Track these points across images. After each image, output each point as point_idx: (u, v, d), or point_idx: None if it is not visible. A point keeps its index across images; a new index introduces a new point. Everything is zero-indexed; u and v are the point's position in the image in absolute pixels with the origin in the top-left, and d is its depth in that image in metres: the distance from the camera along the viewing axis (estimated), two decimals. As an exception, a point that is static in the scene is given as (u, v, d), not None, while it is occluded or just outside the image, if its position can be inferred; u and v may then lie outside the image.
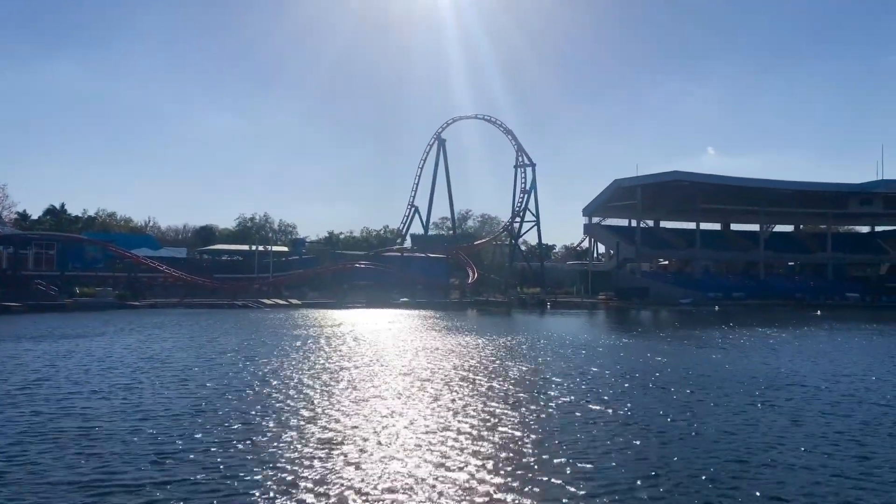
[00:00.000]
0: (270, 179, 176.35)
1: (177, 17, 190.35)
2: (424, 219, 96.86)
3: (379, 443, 11.39)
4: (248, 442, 11.41)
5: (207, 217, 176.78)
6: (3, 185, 78.38)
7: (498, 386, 17.45)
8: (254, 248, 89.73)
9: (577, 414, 14.07)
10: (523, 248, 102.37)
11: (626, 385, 17.96)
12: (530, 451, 11.03)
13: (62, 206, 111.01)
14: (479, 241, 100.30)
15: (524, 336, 33.38)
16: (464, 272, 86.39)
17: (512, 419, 13.39)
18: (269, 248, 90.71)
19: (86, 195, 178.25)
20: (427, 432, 12.15)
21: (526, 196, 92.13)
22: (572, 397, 15.97)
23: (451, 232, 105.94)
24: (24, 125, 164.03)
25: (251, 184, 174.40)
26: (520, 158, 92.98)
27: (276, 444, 11.29)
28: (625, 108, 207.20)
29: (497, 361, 22.72)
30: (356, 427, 12.55)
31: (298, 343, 28.27)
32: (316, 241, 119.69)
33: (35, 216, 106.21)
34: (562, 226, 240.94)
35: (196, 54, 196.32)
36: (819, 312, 64.51)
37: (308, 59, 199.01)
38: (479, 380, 18.45)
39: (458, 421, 13.11)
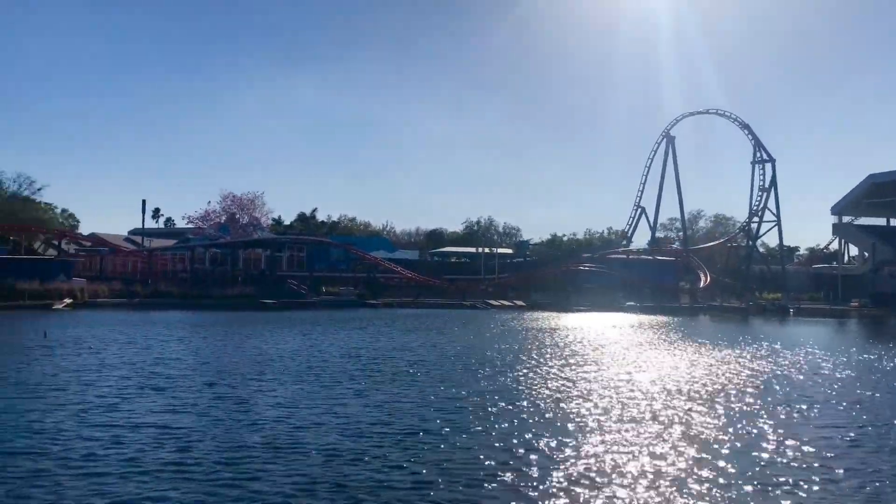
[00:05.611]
0: (495, 182, 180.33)
1: (397, 25, 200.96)
2: (652, 220, 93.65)
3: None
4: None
5: (437, 221, 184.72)
6: (261, 192, 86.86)
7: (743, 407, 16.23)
8: (480, 250, 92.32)
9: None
10: (762, 250, 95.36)
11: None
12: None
13: (312, 211, 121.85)
14: (711, 243, 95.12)
15: (764, 348, 30.91)
16: (695, 276, 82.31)
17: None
18: (494, 250, 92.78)
19: (330, 201, 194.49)
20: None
21: (765, 194, 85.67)
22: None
23: (680, 234, 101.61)
24: (274, 138, 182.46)
25: (477, 188, 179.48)
26: (757, 154, 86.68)
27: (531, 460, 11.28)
28: (872, 95, 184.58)
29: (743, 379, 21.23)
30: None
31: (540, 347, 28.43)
32: (539, 243, 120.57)
33: (287, 221, 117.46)
34: (805, 226, 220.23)
35: (416, 64, 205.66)
36: None
37: (524, 60, 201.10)
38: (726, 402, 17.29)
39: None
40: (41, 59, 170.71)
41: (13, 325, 35.55)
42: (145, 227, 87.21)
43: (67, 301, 51.44)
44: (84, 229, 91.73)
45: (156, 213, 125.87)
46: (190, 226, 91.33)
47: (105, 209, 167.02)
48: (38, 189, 76.28)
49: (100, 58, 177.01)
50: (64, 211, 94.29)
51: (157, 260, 71.54)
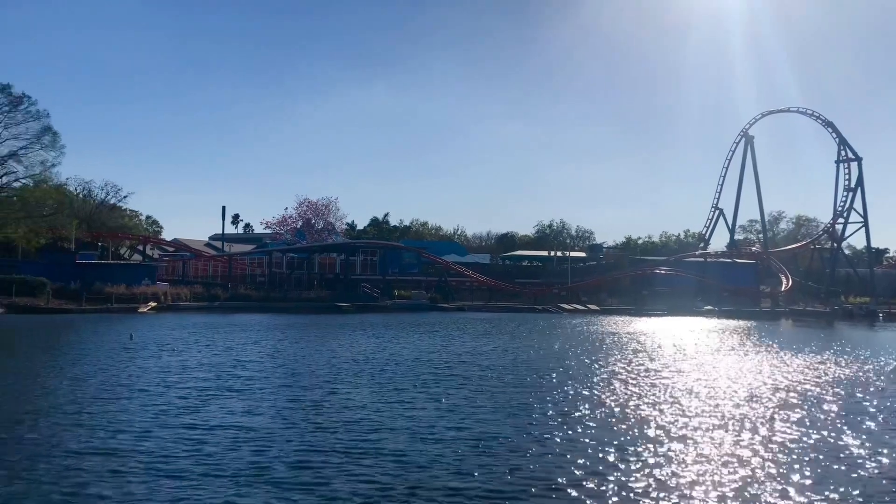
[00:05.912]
0: (566, 185, 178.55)
1: (466, 28, 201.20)
2: (730, 222, 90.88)
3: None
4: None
5: (508, 224, 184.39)
6: (335, 198, 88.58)
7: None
8: (552, 253, 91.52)
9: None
10: (847, 252, 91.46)
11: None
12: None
13: (385, 216, 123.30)
14: (793, 245, 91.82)
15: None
16: (776, 279, 79.56)
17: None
18: (566, 253, 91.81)
19: (402, 205, 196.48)
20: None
21: (850, 194, 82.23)
22: None
23: (760, 236, 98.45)
24: (347, 143, 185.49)
25: (548, 190, 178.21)
26: (842, 152, 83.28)
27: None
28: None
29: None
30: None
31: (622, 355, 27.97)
32: (613, 246, 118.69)
33: (361, 226, 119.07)
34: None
35: (486, 66, 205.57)
36: None
37: (595, 60, 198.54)
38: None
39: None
40: (124, 71, 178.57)
41: (102, 327, 37.17)
42: (225, 232, 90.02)
43: (152, 304, 53.49)
44: (167, 235, 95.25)
45: (235, 219, 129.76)
46: (268, 231, 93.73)
47: (187, 215, 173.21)
48: (125, 196, 79.58)
49: (180, 67, 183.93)
50: (148, 217, 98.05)
51: (237, 264, 73.64)
